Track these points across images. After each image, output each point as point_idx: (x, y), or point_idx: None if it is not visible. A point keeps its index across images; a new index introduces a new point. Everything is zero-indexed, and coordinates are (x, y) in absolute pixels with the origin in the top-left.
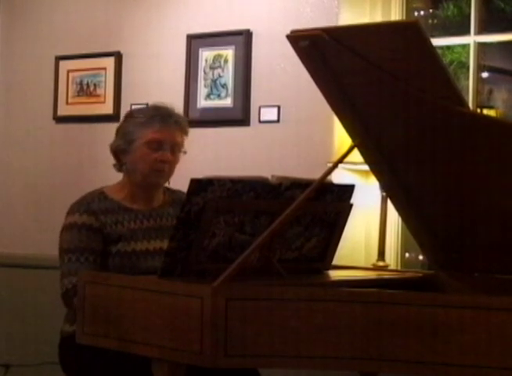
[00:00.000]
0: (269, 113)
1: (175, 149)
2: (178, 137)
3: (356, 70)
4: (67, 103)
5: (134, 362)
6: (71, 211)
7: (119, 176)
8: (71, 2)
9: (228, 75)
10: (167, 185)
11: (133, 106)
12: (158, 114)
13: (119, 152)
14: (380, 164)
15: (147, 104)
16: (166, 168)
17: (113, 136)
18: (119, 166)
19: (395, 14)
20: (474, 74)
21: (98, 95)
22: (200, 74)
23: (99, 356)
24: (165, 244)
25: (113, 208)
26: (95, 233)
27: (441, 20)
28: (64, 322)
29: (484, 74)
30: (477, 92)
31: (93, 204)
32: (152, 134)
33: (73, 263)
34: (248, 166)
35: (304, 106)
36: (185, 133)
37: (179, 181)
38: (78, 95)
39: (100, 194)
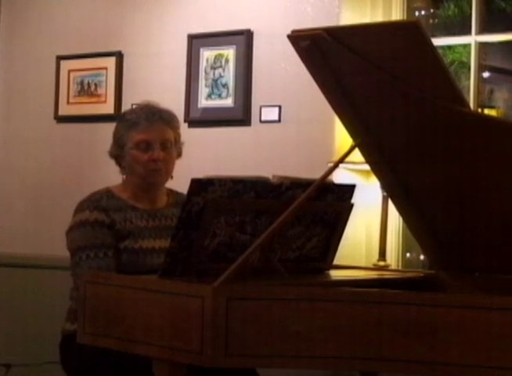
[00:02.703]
0: (270, 113)
1: (167, 145)
2: (166, 133)
3: (357, 69)
4: (68, 102)
5: (135, 361)
6: (80, 209)
7: (119, 176)
8: (72, 2)
9: (229, 75)
10: (167, 185)
11: (134, 106)
12: (142, 114)
13: (117, 157)
14: (380, 163)
15: None
16: (160, 166)
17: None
18: (122, 170)
19: (396, 14)
20: (474, 73)
21: (99, 95)
22: (201, 73)
23: (100, 355)
24: None
25: (120, 206)
26: (108, 229)
27: (442, 20)
28: (65, 320)
29: (485, 74)
30: (478, 92)
31: (102, 201)
32: (138, 135)
33: (92, 260)
34: (249, 166)
35: (305, 106)
36: (176, 127)
37: (180, 181)
38: (79, 95)
39: (108, 193)
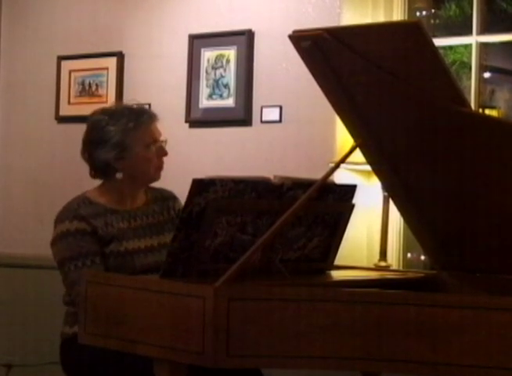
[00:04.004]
0: (271, 114)
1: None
2: (159, 128)
3: (358, 70)
4: (69, 103)
5: (135, 362)
6: (60, 220)
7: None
8: (73, 2)
9: (230, 75)
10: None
11: (135, 107)
12: (143, 114)
13: (113, 162)
14: (381, 164)
15: (149, 104)
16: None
17: None
18: (109, 174)
19: (397, 14)
20: (476, 74)
21: (100, 96)
22: (202, 74)
23: (100, 358)
24: (155, 241)
25: (99, 212)
26: (91, 236)
27: (443, 20)
28: (64, 324)
29: (487, 74)
30: (479, 93)
31: (80, 209)
32: (148, 134)
33: (80, 269)
34: (250, 166)
35: (306, 107)
36: None
37: (181, 181)
38: (80, 96)
39: (85, 199)
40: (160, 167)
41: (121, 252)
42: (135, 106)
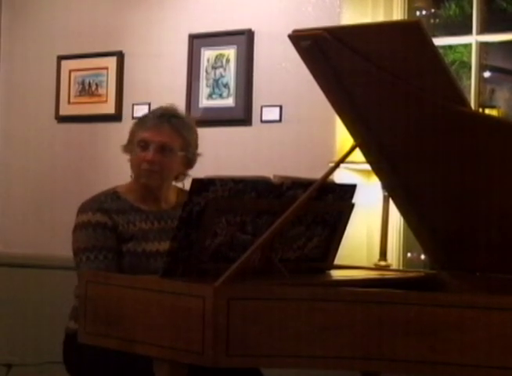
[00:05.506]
0: (271, 113)
1: (166, 149)
2: (168, 138)
3: (358, 69)
4: (69, 102)
5: (136, 361)
6: (83, 210)
7: (120, 176)
8: (73, 2)
9: (230, 75)
10: (180, 186)
11: (135, 106)
12: (155, 114)
13: (127, 152)
14: (381, 163)
15: (149, 104)
16: (155, 168)
17: (115, 136)
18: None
19: (397, 14)
20: (475, 73)
21: (100, 95)
22: (202, 73)
23: (102, 355)
24: None
25: (124, 208)
26: (110, 232)
27: (443, 20)
28: (69, 319)
29: (486, 74)
30: (479, 92)
31: (106, 203)
32: (141, 133)
33: (92, 262)
34: (250, 166)
35: (306, 106)
36: (184, 135)
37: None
38: (80, 95)
39: (113, 194)
40: (143, 169)
41: (138, 253)
42: (168, 108)
